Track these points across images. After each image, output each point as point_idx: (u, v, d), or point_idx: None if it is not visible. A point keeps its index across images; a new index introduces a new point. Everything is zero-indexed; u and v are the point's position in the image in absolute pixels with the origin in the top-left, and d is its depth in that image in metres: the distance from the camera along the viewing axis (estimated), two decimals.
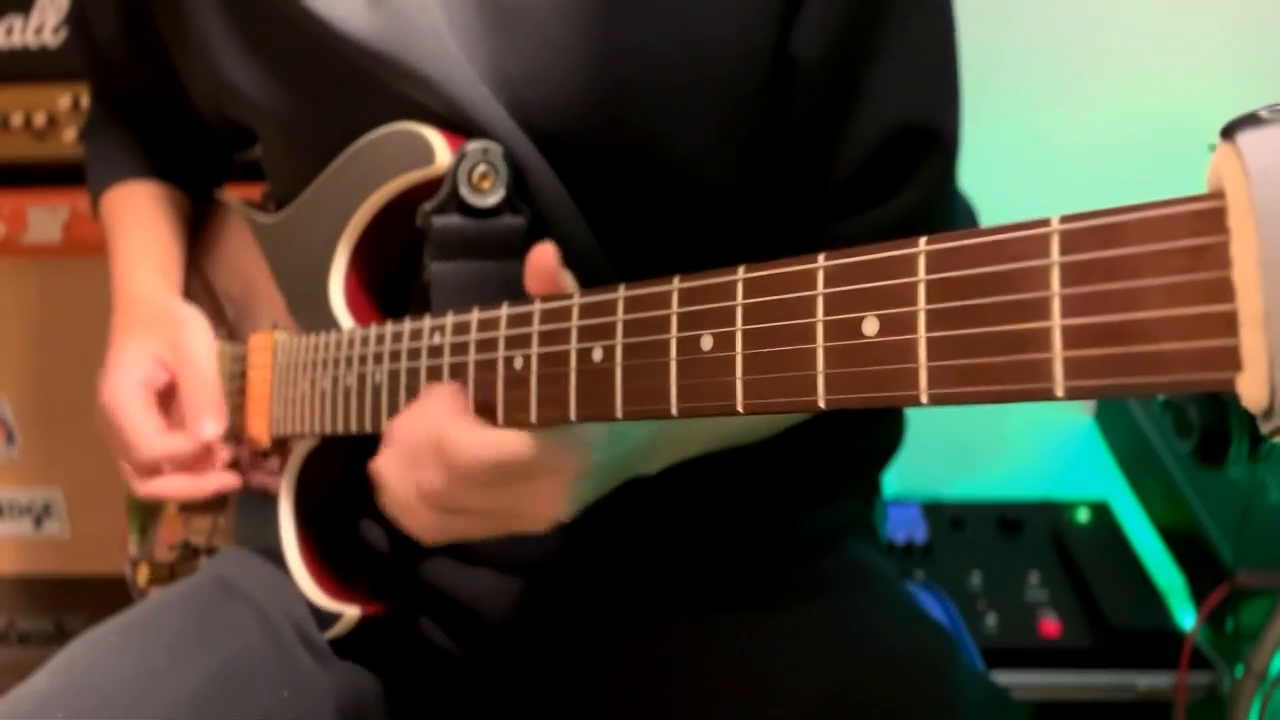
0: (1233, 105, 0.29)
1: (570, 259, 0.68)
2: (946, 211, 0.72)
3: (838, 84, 0.67)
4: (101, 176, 0.92)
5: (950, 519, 1.38)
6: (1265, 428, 0.27)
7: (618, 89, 0.66)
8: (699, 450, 0.69)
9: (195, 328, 0.80)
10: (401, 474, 0.58)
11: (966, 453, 1.47)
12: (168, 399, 0.79)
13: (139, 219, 0.89)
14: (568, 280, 0.57)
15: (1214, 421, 1.11)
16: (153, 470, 0.77)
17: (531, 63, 0.67)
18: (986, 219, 0.83)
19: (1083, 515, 1.38)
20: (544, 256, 0.56)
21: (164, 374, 0.79)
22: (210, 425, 0.77)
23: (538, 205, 0.67)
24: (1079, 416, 1.48)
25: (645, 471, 0.65)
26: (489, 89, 0.67)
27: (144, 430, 0.76)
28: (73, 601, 1.43)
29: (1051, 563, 1.29)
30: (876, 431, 0.87)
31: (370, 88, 0.68)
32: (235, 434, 0.80)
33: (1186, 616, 1.20)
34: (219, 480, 0.78)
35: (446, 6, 0.68)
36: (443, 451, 0.55)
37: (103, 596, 1.22)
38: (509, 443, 0.54)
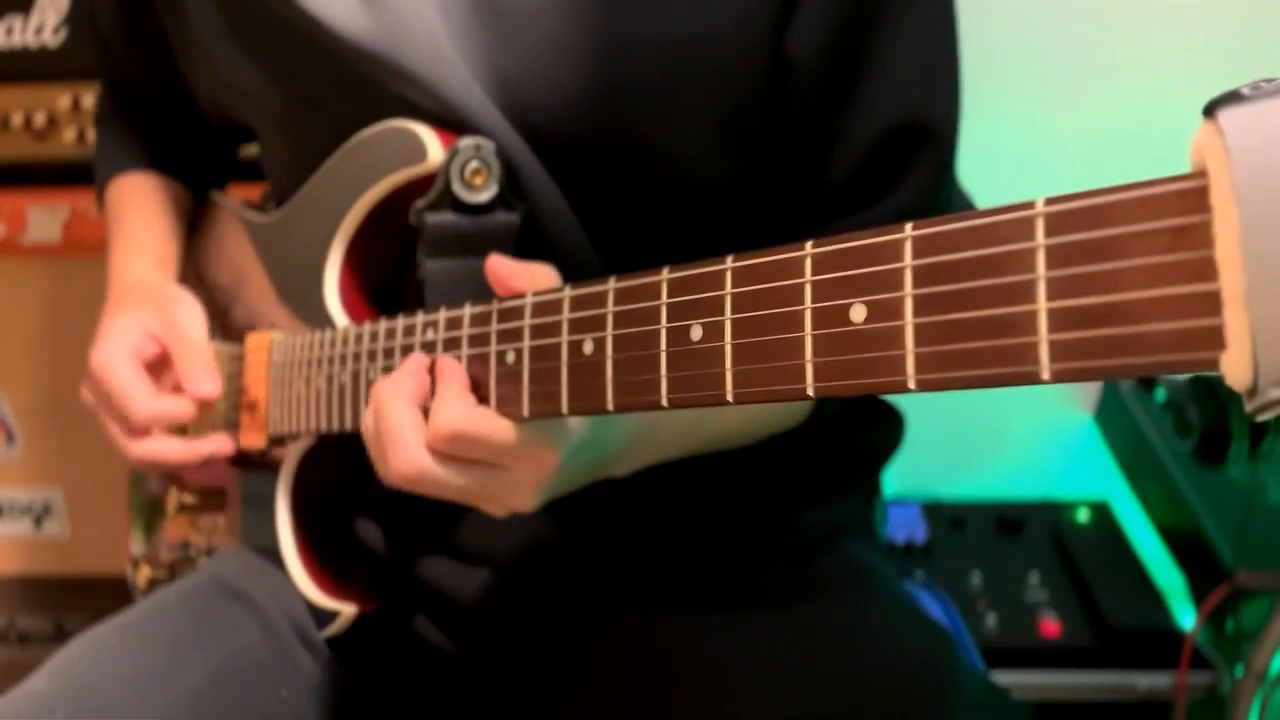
0: None
1: (563, 257, 0.68)
2: (942, 209, 0.72)
3: (833, 84, 0.67)
4: (106, 167, 0.93)
5: (950, 519, 1.38)
6: (1249, 406, 0.26)
7: (613, 88, 0.66)
8: (675, 455, 0.70)
9: (187, 304, 0.80)
10: (383, 430, 0.58)
11: (966, 453, 1.47)
12: (157, 371, 0.78)
13: (139, 211, 0.89)
14: (540, 274, 0.59)
15: (1214, 421, 1.11)
16: (143, 432, 0.76)
17: (526, 63, 0.67)
18: None
19: (1083, 515, 1.38)
20: (496, 267, 0.59)
21: (154, 346, 0.78)
22: (205, 383, 0.76)
23: (531, 204, 0.67)
24: (1079, 416, 1.48)
25: (614, 474, 0.66)
26: (483, 89, 0.67)
27: (135, 390, 0.75)
28: (73, 601, 1.43)
29: (1051, 563, 1.29)
30: (875, 431, 0.87)
31: (364, 88, 0.68)
32: (232, 433, 0.80)
33: (1186, 616, 1.20)
34: (213, 444, 0.77)
35: (441, 6, 0.68)
36: (431, 415, 0.55)
37: (103, 596, 1.22)
38: (493, 426, 0.54)
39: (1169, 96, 1.31)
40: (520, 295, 0.54)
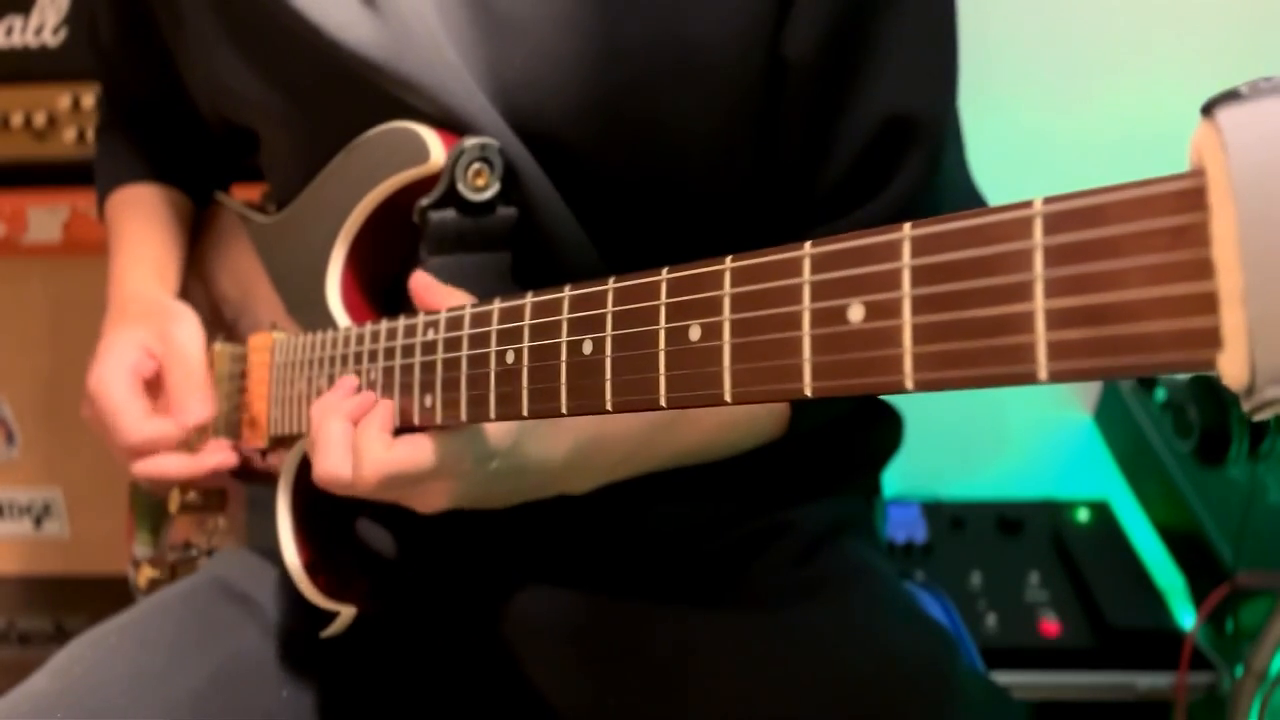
0: None
1: (564, 258, 0.68)
2: (933, 202, 0.72)
3: (827, 86, 0.67)
4: (107, 179, 0.93)
5: (950, 519, 1.38)
6: (1246, 405, 0.27)
7: (612, 93, 0.67)
8: (637, 472, 0.70)
9: (185, 320, 0.80)
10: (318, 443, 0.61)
11: (966, 453, 1.47)
12: (155, 389, 0.78)
13: (139, 224, 0.89)
14: (458, 297, 0.60)
15: (1214, 421, 1.11)
16: (142, 452, 0.76)
17: (526, 69, 0.67)
18: None
19: (1083, 515, 1.38)
20: (417, 284, 0.62)
21: (151, 363, 0.78)
22: (195, 411, 0.76)
23: (532, 210, 0.67)
24: (1079, 416, 1.48)
25: (569, 490, 0.67)
26: (485, 96, 0.67)
27: (130, 413, 0.75)
28: (73, 601, 1.43)
29: (1051, 563, 1.29)
30: (875, 431, 0.87)
31: (365, 93, 0.68)
32: (234, 433, 0.80)
33: (1186, 616, 1.20)
34: (217, 458, 0.77)
35: (441, 13, 0.68)
36: (357, 455, 0.58)
37: (103, 596, 1.22)
38: (413, 459, 0.57)
39: (1169, 96, 1.31)
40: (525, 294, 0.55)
